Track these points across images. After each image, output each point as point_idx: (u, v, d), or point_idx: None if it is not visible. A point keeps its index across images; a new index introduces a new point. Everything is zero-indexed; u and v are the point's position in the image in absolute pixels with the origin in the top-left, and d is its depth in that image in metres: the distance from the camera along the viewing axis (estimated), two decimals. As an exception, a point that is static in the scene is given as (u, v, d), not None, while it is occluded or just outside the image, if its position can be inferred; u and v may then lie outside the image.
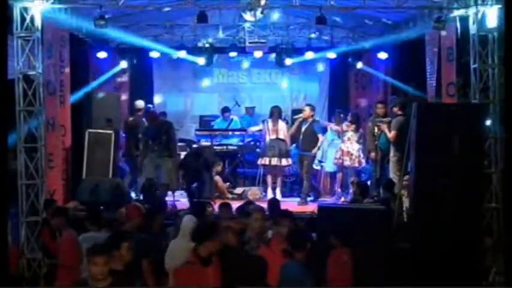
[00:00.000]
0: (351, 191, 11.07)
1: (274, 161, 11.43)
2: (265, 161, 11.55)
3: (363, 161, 11.32)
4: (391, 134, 10.56)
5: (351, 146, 11.21)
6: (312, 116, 11.41)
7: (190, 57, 13.83)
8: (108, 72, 13.15)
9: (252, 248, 6.09)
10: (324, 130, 11.83)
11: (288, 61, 14.10)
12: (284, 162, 11.54)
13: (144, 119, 11.69)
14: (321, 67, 14.92)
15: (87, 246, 6.22)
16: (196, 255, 5.38)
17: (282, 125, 11.68)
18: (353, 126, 11.30)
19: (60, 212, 7.43)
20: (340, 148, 11.32)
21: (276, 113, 11.69)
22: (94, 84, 12.42)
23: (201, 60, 13.93)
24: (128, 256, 5.40)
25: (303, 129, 11.33)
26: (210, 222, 6.34)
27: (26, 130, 8.69)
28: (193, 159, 11.06)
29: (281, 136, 11.53)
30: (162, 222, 7.24)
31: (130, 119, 11.97)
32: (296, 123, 11.58)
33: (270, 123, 11.66)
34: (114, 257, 5.12)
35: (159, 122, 10.95)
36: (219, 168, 12.00)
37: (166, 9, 10.37)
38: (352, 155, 11.18)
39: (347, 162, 11.22)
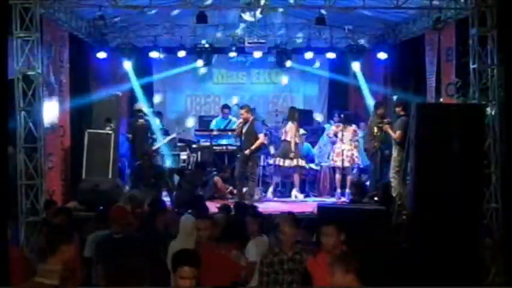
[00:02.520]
0: (348, 191, 11.10)
1: (277, 161, 11.61)
2: (273, 161, 11.79)
3: (356, 159, 11.51)
4: (396, 135, 10.39)
5: (343, 146, 11.42)
6: (251, 115, 11.16)
7: (190, 58, 13.81)
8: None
9: (294, 261, 5.49)
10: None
11: (288, 61, 14.09)
12: (286, 163, 11.55)
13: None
14: (320, 67, 14.91)
15: (102, 246, 6.23)
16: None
17: (289, 126, 11.61)
18: (342, 126, 11.53)
19: (63, 212, 7.41)
20: (334, 149, 11.59)
21: (290, 115, 11.79)
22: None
23: (200, 61, 13.92)
24: None
25: (244, 130, 11.10)
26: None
27: (25, 130, 8.69)
28: (188, 186, 10.87)
29: (288, 138, 11.52)
30: (164, 221, 7.22)
31: (140, 120, 11.96)
32: (238, 127, 11.34)
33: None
34: None
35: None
36: (226, 174, 11.98)
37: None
38: (343, 154, 11.36)
39: (338, 163, 11.43)
